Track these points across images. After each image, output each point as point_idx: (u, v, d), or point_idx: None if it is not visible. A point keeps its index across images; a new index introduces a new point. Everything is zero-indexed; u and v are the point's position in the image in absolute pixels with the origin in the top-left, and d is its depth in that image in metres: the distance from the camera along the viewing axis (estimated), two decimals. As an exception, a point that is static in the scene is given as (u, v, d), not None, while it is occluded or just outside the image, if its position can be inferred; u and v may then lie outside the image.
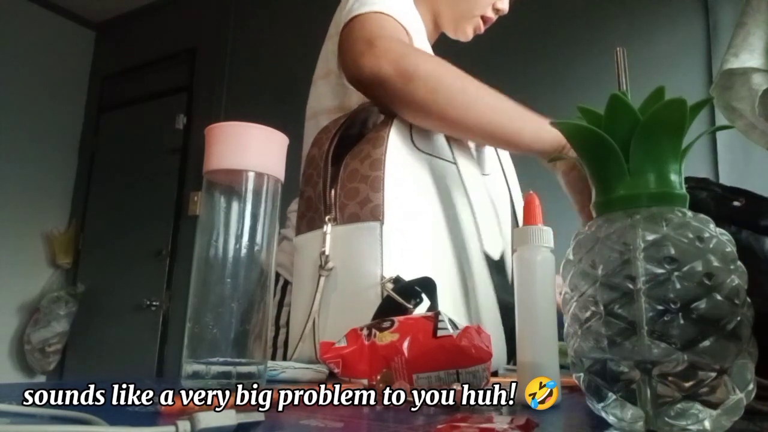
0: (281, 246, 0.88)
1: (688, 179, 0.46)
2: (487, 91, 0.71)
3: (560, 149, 0.71)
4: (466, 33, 0.96)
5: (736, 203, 0.41)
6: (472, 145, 0.79)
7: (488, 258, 0.71)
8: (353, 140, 0.71)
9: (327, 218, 0.66)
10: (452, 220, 0.73)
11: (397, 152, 0.68)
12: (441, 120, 0.70)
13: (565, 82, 2.20)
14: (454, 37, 0.97)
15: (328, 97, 0.89)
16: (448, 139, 0.75)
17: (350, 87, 0.85)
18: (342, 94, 0.87)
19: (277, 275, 0.86)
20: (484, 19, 0.96)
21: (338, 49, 0.78)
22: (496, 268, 0.72)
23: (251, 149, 0.48)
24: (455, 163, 0.74)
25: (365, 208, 0.64)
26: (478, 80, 0.71)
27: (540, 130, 0.72)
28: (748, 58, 1.08)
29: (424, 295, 0.60)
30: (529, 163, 0.81)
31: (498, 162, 0.87)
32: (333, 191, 0.67)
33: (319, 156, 0.71)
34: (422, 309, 0.59)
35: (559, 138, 0.71)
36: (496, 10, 0.96)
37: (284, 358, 0.76)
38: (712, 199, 0.42)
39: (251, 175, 0.48)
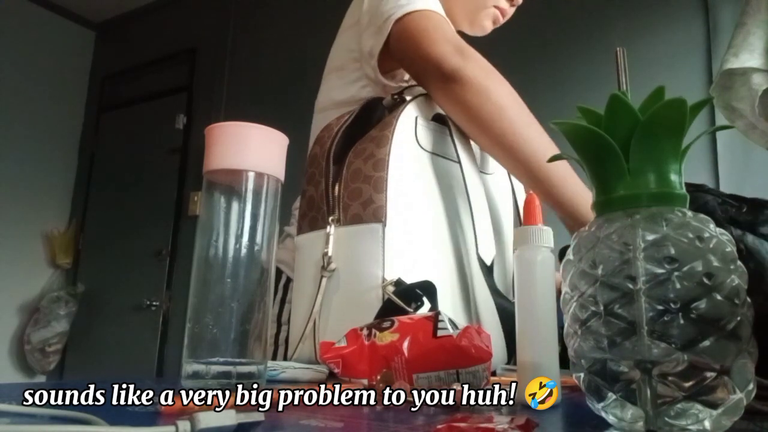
0: (284, 243, 0.88)
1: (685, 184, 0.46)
2: (548, 138, 0.74)
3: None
4: (483, 26, 0.96)
5: (741, 209, 0.42)
6: (474, 143, 0.79)
7: (482, 262, 0.71)
8: (356, 138, 0.71)
9: (330, 219, 0.66)
10: (454, 221, 0.73)
11: (400, 152, 0.68)
12: (495, 138, 0.73)
13: (565, 82, 2.20)
14: (471, 33, 0.96)
15: (339, 90, 0.89)
16: (453, 137, 0.75)
17: (364, 80, 0.85)
18: (354, 86, 0.87)
19: (279, 272, 0.86)
20: (499, 9, 0.95)
21: (402, 39, 0.79)
22: (488, 272, 0.72)
23: (251, 149, 0.48)
24: (459, 162, 0.74)
25: (368, 209, 0.64)
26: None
27: (580, 194, 0.72)
28: (748, 58, 1.08)
29: (425, 299, 0.60)
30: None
31: None
32: (336, 190, 0.67)
33: (321, 155, 0.71)
34: (423, 312, 0.59)
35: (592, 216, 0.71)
36: (511, 0, 0.95)
37: (285, 356, 0.76)
38: (717, 203, 0.42)
39: (251, 175, 0.48)
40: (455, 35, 0.78)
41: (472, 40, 0.95)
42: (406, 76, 0.88)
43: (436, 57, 0.74)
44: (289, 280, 0.84)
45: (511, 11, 0.97)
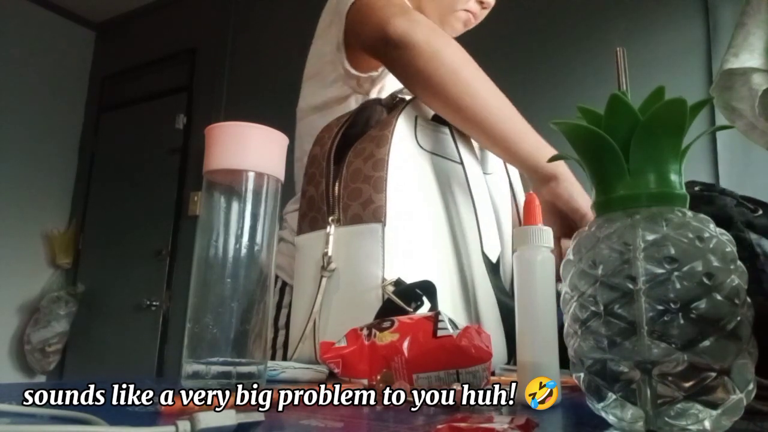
0: (278, 248, 0.88)
1: (696, 183, 0.46)
2: (502, 96, 0.73)
3: (549, 176, 0.72)
4: (454, 28, 0.95)
5: (756, 213, 0.42)
6: (475, 143, 0.79)
7: (487, 260, 0.72)
8: (355, 138, 0.71)
9: (330, 219, 0.66)
10: (455, 221, 0.73)
11: (400, 152, 0.68)
12: (451, 102, 0.71)
13: (565, 82, 2.20)
14: None
15: (317, 95, 0.90)
16: (454, 138, 0.75)
17: (340, 81, 0.85)
18: (331, 88, 0.87)
19: (275, 277, 0.86)
20: (471, 12, 0.94)
21: (354, 17, 0.79)
22: (493, 270, 0.72)
23: (251, 149, 0.48)
24: (461, 163, 0.74)
25: (368, 209, 0.64)
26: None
27: (540, 148, 0.73)
28: (748, 58, 1.08)
29: (424, 298, 0.60)
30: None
31: (501, 161, 0.87)
32: (336, 190, 0.67)
33: (321, 155, 0.71)
34: (422, 312, 0.59)
35: (554, 166, 0.72)
36: (481, 3, 0.94)
37: (284, 360, 0.76)
38: (734, 205, 0.42)
39: (251, 175, 0.48)
40: (400, 1, 0.76)
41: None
42: (380, 68, 0.87)
43: (381, 22, 0.73)
44: (284, 285, 0.84)
45: (482, 14, 0.96)
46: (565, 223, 0.74)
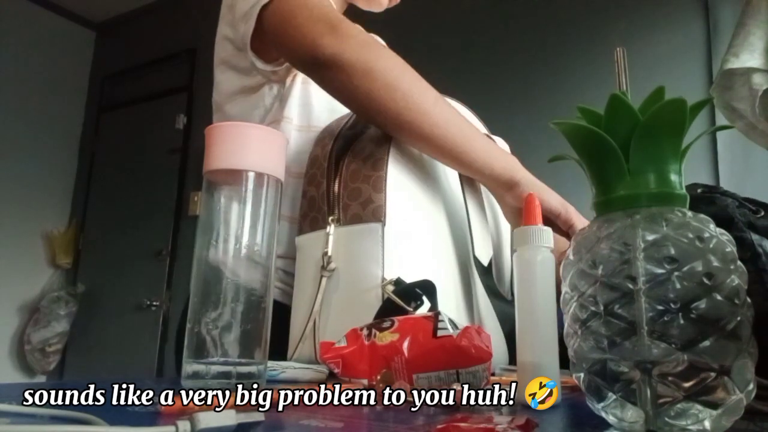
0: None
1: (698, 185, 0.46)
2: (445, 103, 0.69)
3: (510, 182, 0.68)
4: (379, 2, 0.92)
5: (758, 215, 0.42)
6: None
7: (478, 263, 0.71)
8: (354, 138, 0.71)
9: (330, 219, 0.66)
10: (454, 220, 0.73)
11: (400, 152, 0.68)
12: (391, 119, 0.67)
13: (565, 83, 2.20)
14: (366, 8, 0.93)
15: (227, 83, 0.87)
16: None
17: (250, 71, 0.83)
18: (245, 76, 0.85)
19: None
20: None
21: (273, 24, 0.73)
22: (485, 273, 0.72)
23: (251, 149, 0.48)
24: None
25: (367, 209, 0.64)
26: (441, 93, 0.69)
27: (493, 155, 0.70)
28: (748, 58, 1.08)
29: (424, 298, 0.60)
30: (531, 163, 0.81)
31: None
32: (336, 190, 0.67)
33: (322, 156, 0.71)
34: (422, 311, 0.59)
35: (511, 169, 0.69)
36: None
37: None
38: (735, 206, 0.43)
39: (251, 175, 0.48)
40: (325, 11, 0.69)
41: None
42: None
43: (307, 43, 0.67)
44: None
45: None
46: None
